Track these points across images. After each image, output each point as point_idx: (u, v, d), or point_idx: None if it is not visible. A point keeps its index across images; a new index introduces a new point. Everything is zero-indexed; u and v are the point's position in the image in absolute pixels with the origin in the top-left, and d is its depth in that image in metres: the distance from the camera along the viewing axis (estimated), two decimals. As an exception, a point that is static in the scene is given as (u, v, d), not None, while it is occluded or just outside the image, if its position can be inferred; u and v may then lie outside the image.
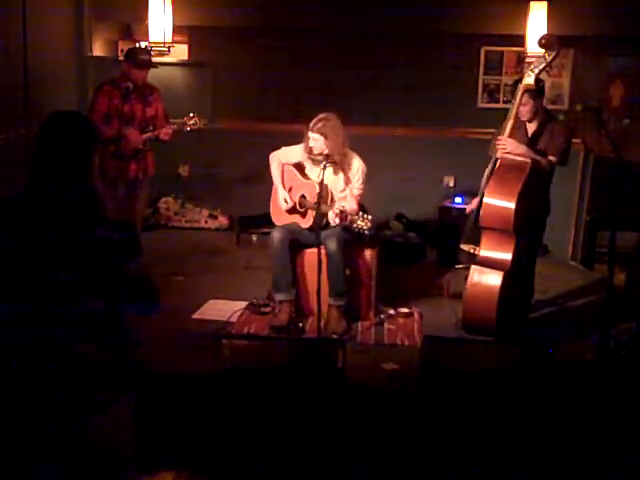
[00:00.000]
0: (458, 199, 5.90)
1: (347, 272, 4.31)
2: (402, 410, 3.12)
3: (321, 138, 4.23)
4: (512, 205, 3.97)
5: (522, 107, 4.12)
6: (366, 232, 4.01)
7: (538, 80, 4.08)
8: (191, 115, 4.93)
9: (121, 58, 6.13)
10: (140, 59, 4.82)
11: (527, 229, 4.12)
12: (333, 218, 4.15)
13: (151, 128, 4.91)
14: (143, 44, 5.83)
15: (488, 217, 4.08)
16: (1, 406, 2.02)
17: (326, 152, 4.21)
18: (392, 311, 4.55)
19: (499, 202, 4.02)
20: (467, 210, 4.43)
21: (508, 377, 3.07)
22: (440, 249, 5.79)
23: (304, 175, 4.48)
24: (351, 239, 4.34)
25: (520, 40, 6.28)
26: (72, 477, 2.03)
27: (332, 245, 4.21)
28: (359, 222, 3.96)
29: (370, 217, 3.97)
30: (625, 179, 3.89)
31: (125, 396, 2.14)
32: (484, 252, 4.11)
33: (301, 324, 4.29)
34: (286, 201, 4.41)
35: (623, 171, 3.88)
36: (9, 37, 5.08)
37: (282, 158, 4.51)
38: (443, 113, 6.83)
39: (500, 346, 3.54)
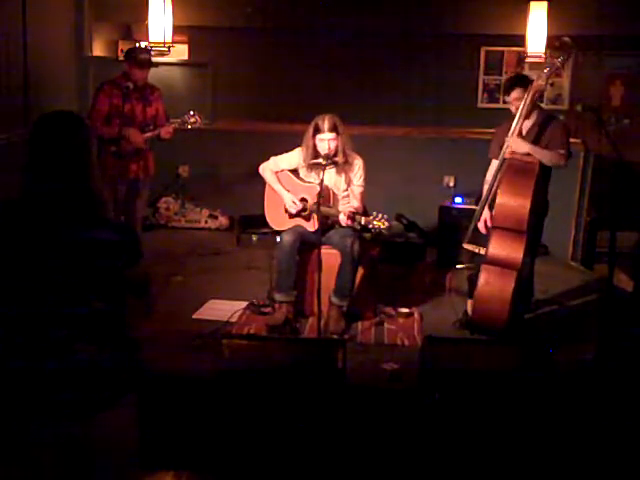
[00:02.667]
0: (458, 199, 5.90)
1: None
2: (402, 410, 3.12)
3: (334, 135, 4.19)
4: (527, 205, 4.02)
5: (515, 101, 4.17)
6: (384, 232, 3.99)
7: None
8: (192, 113, 4.91)
9: (121, 58, 6.13)
10: (140, 59, 4.81)
11: (528, 229, 4.13)
12: (345, 221, 4.13)
13: (151, 127, 4.91)
14: (143, 44, 5.83)
15: (502, 217, 4.09)
16: (4, 406, 2.02)
17: (331, 153, 4.20)
18: (392, 311, 4.54)
19: (514, 202, 4.05)
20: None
21: (508, 377, 3.07)
22: (440, 249, 5.79)
23: (301, 178, 4.46)
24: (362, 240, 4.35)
25: (520, 40, 6.28)
26: (75, 476, 2.03)
27: (349, 245, 4.17)
28: (375, 222, 3.93)
29: (387, 216, 3.94)
30: (625, 179, 3.89)
31: (127, 396, 2.14)
32: (495, 251, 4.10)
33: (298, 325, 4.29)
34: (295, 203, 4.36)
35: (623, 171, 3.88)
36: (9, 37, 5.09)
37: (273, 167, 4.47)
38: (443, 113, 6.84)
39: (500, 346, 3.53)
